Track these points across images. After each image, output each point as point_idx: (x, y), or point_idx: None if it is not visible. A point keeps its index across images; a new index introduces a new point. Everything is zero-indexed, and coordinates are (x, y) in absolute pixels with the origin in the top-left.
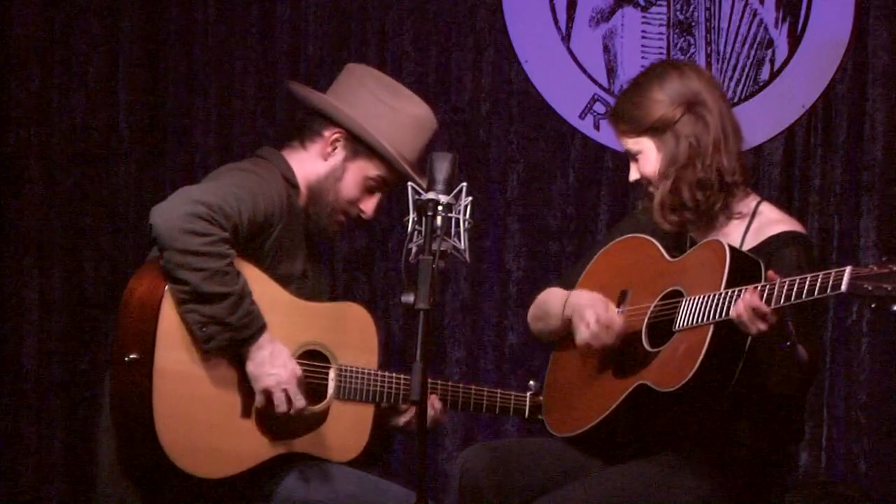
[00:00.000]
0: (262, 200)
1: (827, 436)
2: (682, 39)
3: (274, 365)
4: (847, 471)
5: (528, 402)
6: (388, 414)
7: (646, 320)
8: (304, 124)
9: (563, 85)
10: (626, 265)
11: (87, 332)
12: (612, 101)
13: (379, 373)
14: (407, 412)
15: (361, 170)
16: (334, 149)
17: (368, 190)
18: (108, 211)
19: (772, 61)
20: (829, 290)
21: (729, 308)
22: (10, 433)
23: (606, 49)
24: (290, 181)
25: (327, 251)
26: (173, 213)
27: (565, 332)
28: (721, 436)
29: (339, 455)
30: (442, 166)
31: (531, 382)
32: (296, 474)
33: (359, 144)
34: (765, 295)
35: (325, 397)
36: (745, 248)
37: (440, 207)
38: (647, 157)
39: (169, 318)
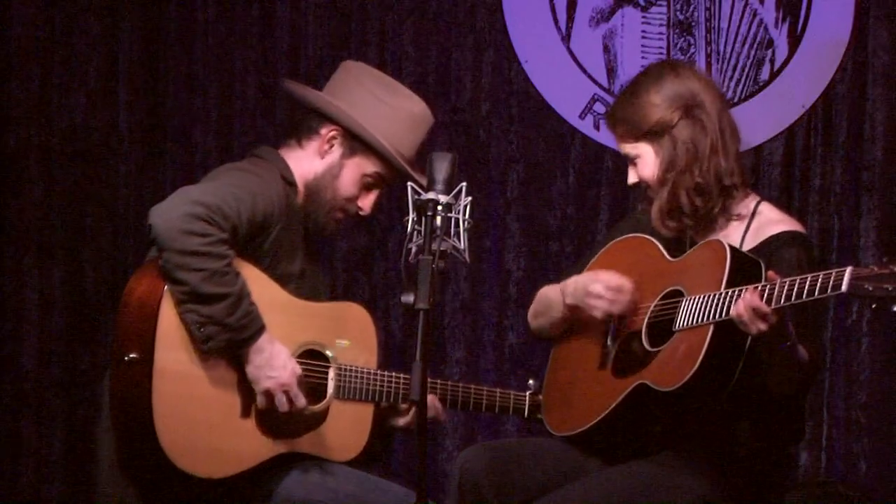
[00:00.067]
0: (261, 200)
1: (827, 436)
2: (682, 39)
3: (273, 367)
4: (847, 471)
5: (527, 402)
6: (388, 413)
7: (646, 320)
8: (300, 122)
9: (563, 85)
10: (627, 265)
11: (87, 332)
12: (612, 100)
13: (378, 372)
14: (406, 412)
15: (359, 167)
16: (331, 146)
17: (366, 187)
18: (108, 211)
19: (772, 61)
20: (829, 290)
21: (729, 308)
22: (10, 433)
23: (606, 49)
24: (288, 180)
25: (327, 251)
26: (172, 214)
27: (568, 324)
28: (721, 436)
29: (339, 455)
30: (442, 166)
31: (531, 381)
32: (295, 474)
33: (355, 141)
34: (765, 295)
35: (324, 397)
36: (745, 248)
37: (440, 207)
38: (646, 161)
39: (168, 319)
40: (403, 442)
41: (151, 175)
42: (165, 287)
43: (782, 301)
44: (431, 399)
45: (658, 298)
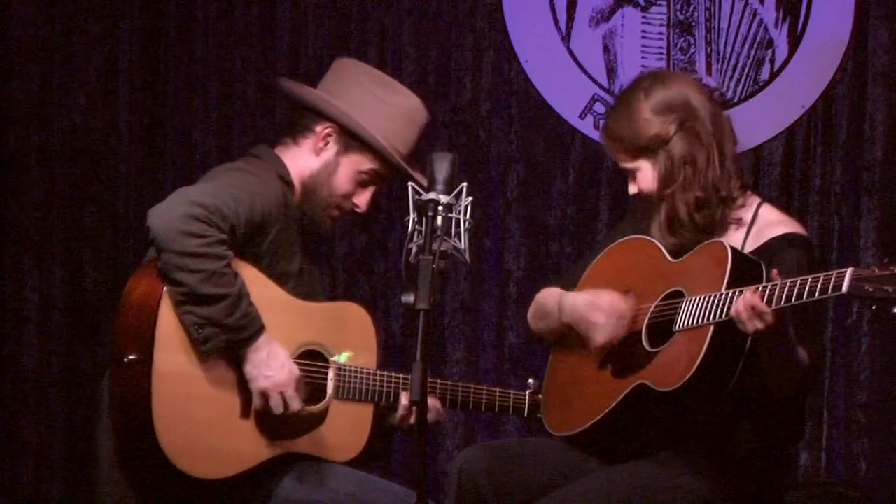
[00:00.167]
0: (259, 200)
1: (827, 436)
2: (682, 39)
3: (271, 367)
4: (847, 471)
5: (527, 401)
6: (388, 413)
7: (646, 320)
8: (295, 120)
9: (563, 85)
10: (628, 266)
11: (87, 332)
12: (612, 101)
13: (378, 372)
14: (406, 412)
15: (354, 163)
16: (326, 143)
17: (362, 184)
18: (108, 211)
19: (772, 61)
20: (830, 291)
21: (729, 309)
22: (10, 433)
23: (606, 49)
24: (285, 179)
25: (327, 251)
26: (171, 215)
27: (567, 329)
28: (721, 436)
29: (339, 455)
30: (442, 166)
31: (530, 381)
32: (295, 474)
33: (351, 138)
34: (765, 295)
35: (324, 397)
36: (746, 250)
37: (440, 207)
38: (645, 175)
39: (168, 319)
40: (403, 442)
41: (151, 175)
42: (164, 288)
43: (783, 302)
44: (431, 401)
45: (659, 299)
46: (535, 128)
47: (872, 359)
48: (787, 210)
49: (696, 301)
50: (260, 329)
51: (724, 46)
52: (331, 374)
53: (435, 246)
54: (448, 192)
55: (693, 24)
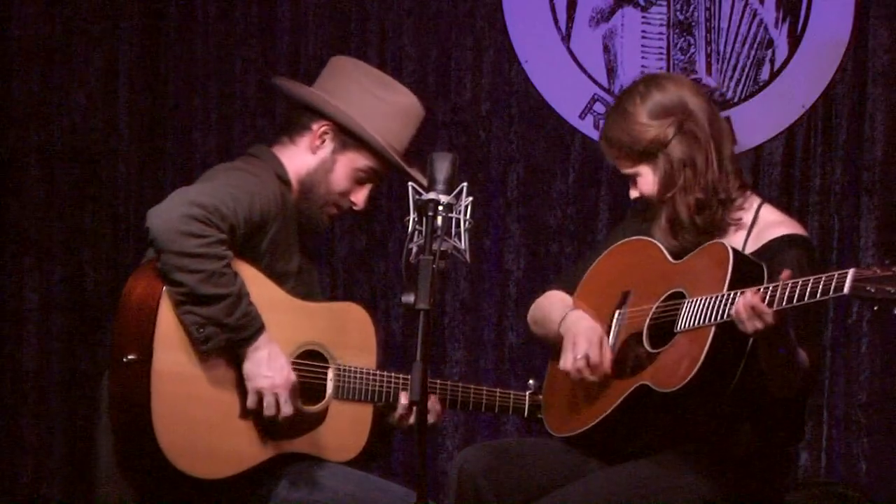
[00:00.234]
0: (258, 200)
1: (827, 436)
2: (682, 39)
3: (271, 367)
4: (847, 471)
5: (527, 401)
6: (387, 413)
7: (647, 321)
8: (292, 119)
9: (563, 85)
10: (629, 266)
11: (87, 332)
12: (612, 101)
13: (378, 372)
14: (406, 412)
15: (351, 161)
16: (323, 141)
17: (358, 181)
18: (108, 211)
19: (772, 61)
20: (831, 292)
21: (731, 310)
22: (10, 433)
23: (606, 49)
24: (283, 178)
25: (327, 251)
26: (170, 216)
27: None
28: (721, 436)
29: (339, 455)
30: (442, 166)
31: (531, 381)
32: (294, 474)
33: (347, 136)
34: (767, 296)
35: (323, 397)
36: (747, 251)
37: (440, 207)
38: (646, 180)
39: (167, 319)
40: (403, 442)
41: (151, 175)
42: (164, 288)
43: (784, 303)
44: (431, 402)
45: (660, 300)
46: (535, 128)
47: (872, 359)
48: (787, 210)
49: (698, 302)
50: (260, 328)
51: (724, 46)
52: (330, 374)
53: (435, 246)
54: (448, 192)
55: (693, 24)
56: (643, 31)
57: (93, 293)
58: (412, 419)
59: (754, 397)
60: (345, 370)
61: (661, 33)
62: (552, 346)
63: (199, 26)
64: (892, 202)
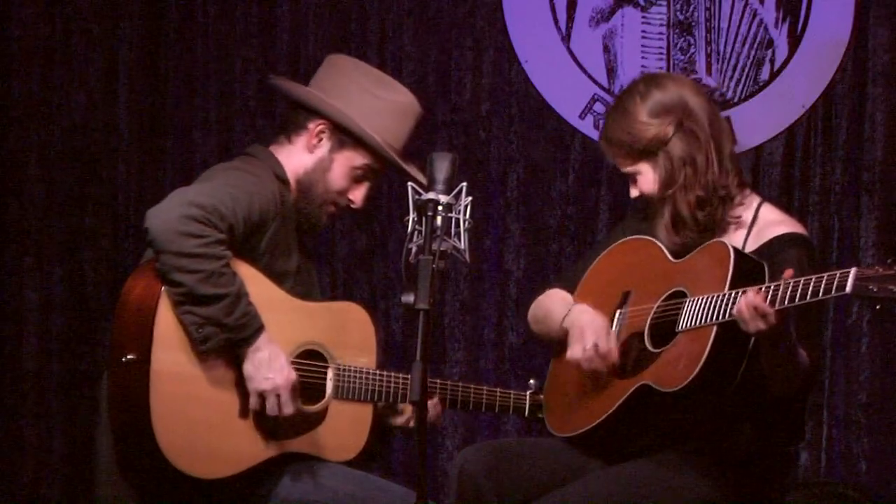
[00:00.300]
0: (257, 199)
1: (827, 436)
2: (682, 39)
3: (271, 368)
4: (847, 471)
5: (527, 401)
6: (387, 413)
7: (648, 321)
8: (289, 118)
9: (563, 85)
10: (629, 266)
11: (87, 332)
12: (612, 101)
13: (377, 372)
14: (405, 412)
15: (348, 160)
16: (320, 140)
17: (356, 179)
18: (108, 211)
19: (772, 61)
20: (833, 291)
21: (733, 309)
22: (10, 433)
23: (606, 49)
24: (281, 177)
25: (327, 251)
26: (168, 216)
27: (564, 338)
28: (722, 436)
29: (338, 455)
30: (442, 166)
31: (531, 381)
32: (294, 474)
33: (344, 134)
34: (769, 295)
35: (323, 397)
36: (747, 250)
37: (440, 207)
38: (646, 179)
39: (166, 320)
40: (403, 442)
41: (151, 175)
42: (163, 288)
43: (786, 302)
44: (431, 402)
45: (661, 299)
46: (535, 128)
47: (872, 359)
48: (787, 210)
49: (699, 301)
50: (259, 328)
51: (724, 46)
52: (330, 374)
53: (435, 246)
54: (448, 192)
55: (693, 24)
56: (643, 31)
57: (93, 293)
58: (412, 421)
59: (755, 397)
60: (344, 370)
61: (661, 33)
62: (553, 345)
63: (199, 26)
64: (892, 202)
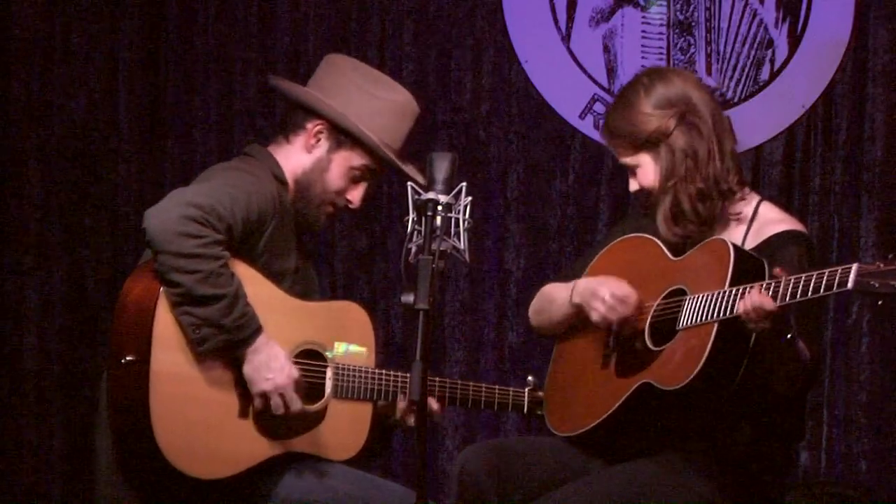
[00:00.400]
0: (255, 199)
1: (827, 436)
2: (682, 39)
3: (271, 368)
4: (847, 471)
5: (526, 398)
6: (387, 412)
7: (648, 319)
8: (287, 118)
9: (563, 85)
10: (628, 264)
11: (87, 332)
12: (612, 101)
13: (376, 371)
14: (405, 411)
15: (346, 160)
16: (318, 140)
17: (354, 179)
18: (108, 211)
19: (772, 61)
20: (834, 287)
21: (733, 306)
22: (10, 433)
23: (606, 49)
24: (279, 177)
25: (327, 251)
26: (167, 216)
27: (569, 323)
28: (721, 436)
29: (338, 454)
30: (442, 166)
31: (529, 378)
32: (294, 474)
33: (342, 135)
34: (770, 292)
35: (322, 396)
36: (747, 248)
37: (440, 207)
38: (646, 171)
39: (165, 320)
40: (403, 442)
41: (151, 175)
42: (161, 289)
43: (787, 298)
44: (430, 401)
45: (660, 297)
46: (535, 128)
47: (872, 359)
48: (787, 210)
49: (699, 299)
50: (258, 329)
51: (724, 46)
52: (329, 373)
53: (435, 246)
54: (447, 192)
55: (693, 24)
56: (643, 31)
57: (93, 293)
58: (411, 418)
59: (755, 396)
60: (343, 369)
61: (661, 33)
62: (555, 342)
63: (199, 26)
64: (892, 202)
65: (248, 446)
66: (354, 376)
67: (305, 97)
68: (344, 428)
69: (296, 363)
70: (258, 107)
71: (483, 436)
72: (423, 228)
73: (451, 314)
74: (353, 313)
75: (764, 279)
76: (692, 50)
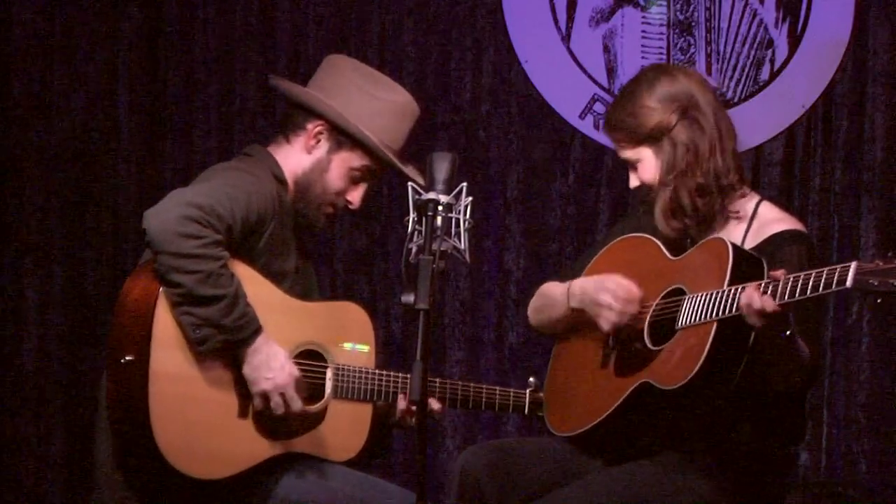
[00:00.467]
0: (255, 199)
1: (827, 436)
2: (682, 39)
3: (271, 368)
4: (847, 471)
5: (527, 399)
6: (387, 413)
7: (648, 318)
8: (287, 118)
9: (563, 85)
10: (627, 264)
11: (87, 333)
12: (612, 101)
13: (376, 372)
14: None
15: (346, 161)
16: (318, 141)
17: (354, 180)
18: (108, 211)
19: (772, 61)
20: (834, 285)
21: (733, 305)
22: (10, 433)
23: (606, 49)
24: (279, 177)
25: (327, 251)
26: (166, 217)
27: (568, 321)
28: (722, 436)
29: (338, 454)
30: (442, 166)
31: (531, 379)
32: (294, 474)
33: (342, 135)
34: (769, 291)
35: (322, 397)
36: (746, 247)
37: (440, 207)
38: (647, 166)
39: (164, 320)
40: (403, 442)
41: (151, 175)
42: (161, 289)
43: (786, 297)
44: (430, 402)
45: (660, 297)
46: (535, 128)
47: (872, 359)
48: (787, 210)
49: (699, 298)
50: (257, 329)
51: (724, 46)
52: (329, 373)
53: (435, 246)
54: (448, 192)
55: (693, 24)
56: (643, 31)
57: (93, 293)
58: (412, 419)
59: (755, 396)
60: (343, 369)
61: (661, 33)
62: (555, 342)
63: (199, 26)
64: (892, 202)
65: (248, 446)
66: (354, 377)
67: (305, 97)
68: (344, 428)
69: (296, 363)
70: (258, 107)
71: (483, 436)
72: (423, 228)
73: (451, 314)
74: (353, 313)
75: (763, 278)
76: (692, 50)
